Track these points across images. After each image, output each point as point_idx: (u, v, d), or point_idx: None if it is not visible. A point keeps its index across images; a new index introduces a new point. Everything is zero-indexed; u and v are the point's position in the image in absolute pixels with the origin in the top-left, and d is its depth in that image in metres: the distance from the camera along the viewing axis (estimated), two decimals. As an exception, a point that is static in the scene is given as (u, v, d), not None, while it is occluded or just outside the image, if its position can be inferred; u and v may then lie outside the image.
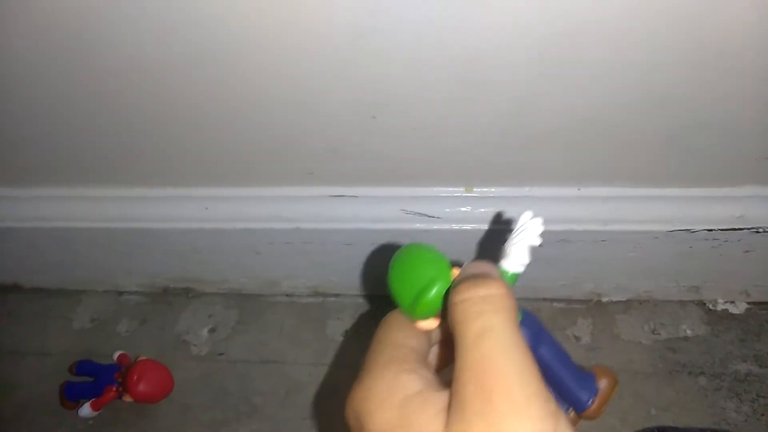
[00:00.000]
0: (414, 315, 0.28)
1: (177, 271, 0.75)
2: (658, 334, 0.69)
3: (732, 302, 0.69)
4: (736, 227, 0.58)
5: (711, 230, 0.59)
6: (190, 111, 0.54)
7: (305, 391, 0.69)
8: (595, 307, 0.72)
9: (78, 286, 0.80)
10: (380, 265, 0.69)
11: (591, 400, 0.29)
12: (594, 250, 0.63)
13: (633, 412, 0.63)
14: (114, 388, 0.67)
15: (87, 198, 0.68)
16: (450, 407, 0.23)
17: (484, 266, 0.27)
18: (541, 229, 0.27)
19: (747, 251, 0.61)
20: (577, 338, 0.70)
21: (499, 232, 0.61)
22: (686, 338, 0.68)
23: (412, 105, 0.51)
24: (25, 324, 0.78)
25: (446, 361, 0.31)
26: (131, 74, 0.50)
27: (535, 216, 0.27)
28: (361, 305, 0.76)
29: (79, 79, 0.51)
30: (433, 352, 0.31)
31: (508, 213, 0.60)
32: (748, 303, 0.69)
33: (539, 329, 0.28)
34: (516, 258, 0.27)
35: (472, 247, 0.63)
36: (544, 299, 0.72)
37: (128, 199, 0.67)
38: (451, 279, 0.27)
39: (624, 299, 0.72)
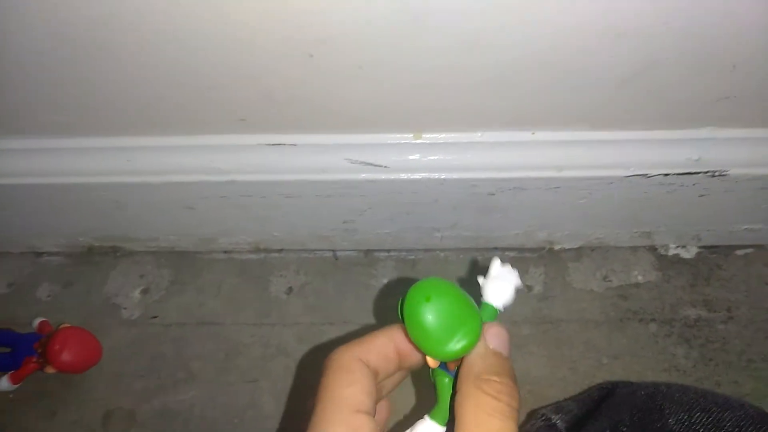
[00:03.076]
0: (441, 355, 0.29)
1: (101, 229, 0.69)
2: (610, 281, 0.68)
3: (683, 247, 0.69)
4: (693, 171, 0.56)
5: (667, 174, 0.57)
6: (104, 50, 0.46)
7: (247, 353, 0.65)
8: (547, 255, 0.70)
9: (-11, 248, 0.73)
10: (326, 218, 0.65)
11: None
12: (547, 197, 0.60)
13: (584, 361, 0.62)
14: (34, 359, 0.61)
15: (-9, 150, 0.60)
16: None
17: (505, 344, 0.29)
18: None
19: (702, 195, 0.59)
20: (530, 287, 0.68)
21: (450, 181, 0.57)
22: (637, 284, 0.67)
23: (353, 41, 0.45)
24: (-69, 292, 0.71)
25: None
26: (37, 6, 0.42)
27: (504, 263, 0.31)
28: (306, 261, 0.71)
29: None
30: None
31: (460, 160, 0.57)
32: (699, 247, 0.69)
33: None
34: (502, 297, 0.30)
35: (423, 198, 0.60)
36: (496, 248, 0.70)
37: (39, 151, 0.59)
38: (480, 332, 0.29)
39: (576, 246, 0.70)
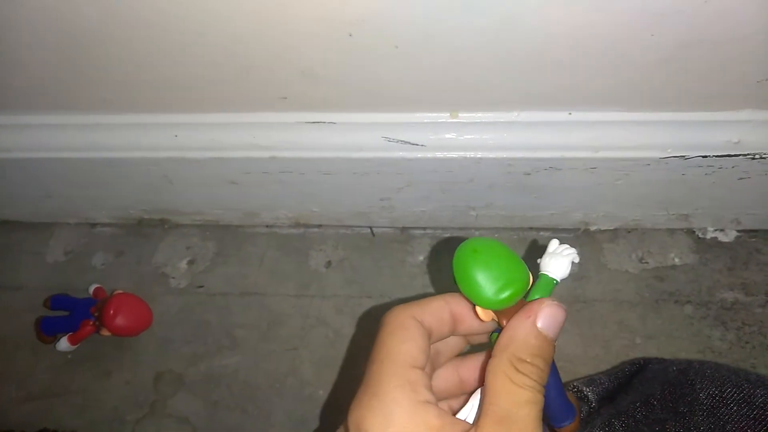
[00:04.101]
0: (487, 304, 0.30)
1: (150, 202, 0.73)
2: (646, 262, 0.68)
3: (722, 230, 0.68)
4: (732, 153, 0.56)
5: (706, 156, 0.56)
6: (153, 30, 0.49)
7: (288, 323, 0.68)
8: (582, 236, 0.70)
9: (48, 219, 0.77)
10: (363, 195, 0.67)
11: (573, 419, 0.33)
12: (583, 178, 0.60)
13: (617, 341, 0.63)
14: (90, 323, 0.65)
15: (50, 126, 0.63)
16: None
17: (555, 327, 0.29)
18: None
19: (741, 178, 0.59)
20: (564, 268, 0.68)
21: (486, 161, 0.58)
22: (674, 267, 0.67)
23: (392, 21, 0.46)
24: (-4, 258, 0.76)
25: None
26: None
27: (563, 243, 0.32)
28: (345, 236, 0.74)
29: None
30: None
31: (496, 140, 0.57)
32: (738, 231, 0.68)
33: None
34: (559, 269, 0.31)
35: (458, 177, 0.61)
36: (531, 228, 0.71)
37: (92, 127, 0.63)
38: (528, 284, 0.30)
39: (612, 228, 0.70)
